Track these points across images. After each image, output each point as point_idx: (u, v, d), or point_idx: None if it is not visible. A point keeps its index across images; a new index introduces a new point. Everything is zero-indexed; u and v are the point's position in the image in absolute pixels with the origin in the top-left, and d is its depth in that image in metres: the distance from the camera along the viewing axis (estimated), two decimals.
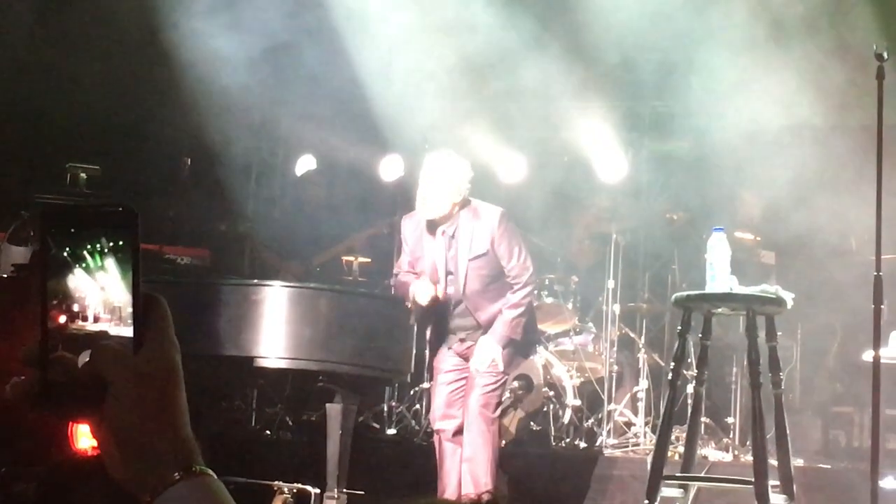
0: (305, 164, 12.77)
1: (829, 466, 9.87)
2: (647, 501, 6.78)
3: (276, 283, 8.76)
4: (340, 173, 12.26)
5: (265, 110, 11.48)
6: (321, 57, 11.32)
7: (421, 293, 8.19)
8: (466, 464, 8.03)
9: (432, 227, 8.20)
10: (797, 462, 8.53)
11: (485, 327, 8.15)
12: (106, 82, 12.13)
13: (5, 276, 8.64)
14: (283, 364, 8.57)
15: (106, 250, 1.47)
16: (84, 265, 1.48)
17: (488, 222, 8.10)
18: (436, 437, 8.37)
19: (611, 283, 11.25)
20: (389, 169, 12.98)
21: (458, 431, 8.13)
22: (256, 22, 11.23)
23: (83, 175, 9.57)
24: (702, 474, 7.99)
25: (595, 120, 12.18)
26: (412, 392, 11.24)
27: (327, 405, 8.82)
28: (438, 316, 8.38)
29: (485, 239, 8.05)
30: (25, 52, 11.95)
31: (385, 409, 11.27)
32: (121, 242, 1.48)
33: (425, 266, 8.27)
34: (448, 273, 8.17)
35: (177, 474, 1.46)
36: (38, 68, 11.99)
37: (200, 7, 11.07)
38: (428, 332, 8.82)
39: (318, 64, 11.31)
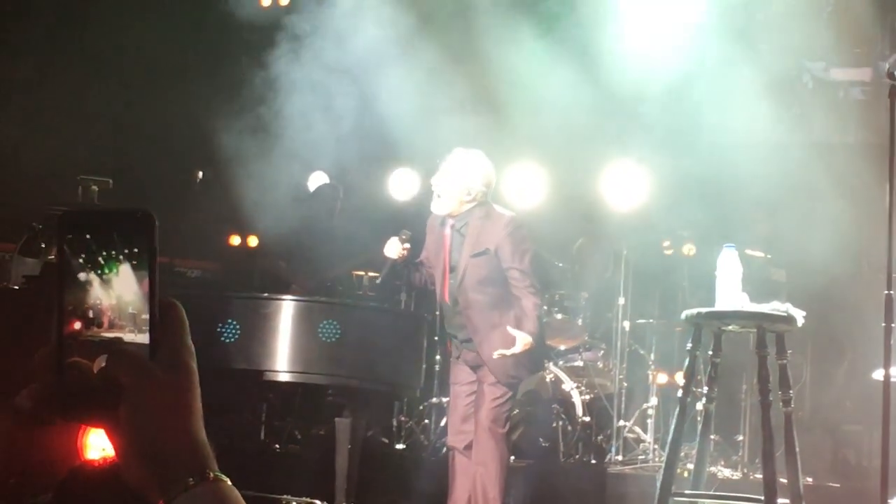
0: (318, 179, 12.78)
1: (838, 485, 9.85)
2: None
3: (287, 297, 8.79)
4: (353, 189, 12.26)
5: (277, 125, 11.49)
6: (335, 74, 11.35)
7: (389, 246, 8.23)
8: (477, 479, 8.01)
9: (445, 222, 8.19)
10: (806, 480, 8.51)
11: (476, 336, 8.05)
12: (119, 96, 12.19)
13: (16, 287, 8.65)
14: (292, 378, 8.59)
15: (122, 256, 1.48)
16: (100, 271, 1.48)
17: (497, 223, 8.00)
18: (450, 452, 8.32)
19: (621, 300, 11.26)
20: (402, 185, 13.02)
21: (470, 446, 8.09)
22: (271, 38, 11.27)
23: (94, 187, 9.58)
24: (711, 491, 7.97)
25: (609, 138, 12.20)
26: (421, 407, 11.23)
27: (336, 419, 8.82)
28: (442, 316, 8.32)
29: (490, 239, 7.96)
30: (39, 64, 12.00)
31: (394, 423, 11.26)
32: (136, 249, 1.48)
33: (435, 261, 8.26)
34: (451, 269, 8.12)
35: (192, 479, 1.46)
36: (50, 81, 12.04)
37: (212, 21, 11.14)
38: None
39: (333, 81, 11.34)
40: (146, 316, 1.48)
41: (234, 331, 8.57)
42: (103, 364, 1.47)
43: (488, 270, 7.98)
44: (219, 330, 8.51)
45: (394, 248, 8.22)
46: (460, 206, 8.05)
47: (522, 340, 7.84)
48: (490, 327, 7.98)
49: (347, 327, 8.60)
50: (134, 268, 1.48)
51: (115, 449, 1.48)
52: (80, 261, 1.48)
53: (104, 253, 1.48)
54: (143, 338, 1.48)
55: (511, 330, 7.85)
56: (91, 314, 1.49)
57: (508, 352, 7.84)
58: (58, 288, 1.49)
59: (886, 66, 7.04)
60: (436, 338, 10.61)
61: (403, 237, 8.24)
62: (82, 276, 1.49)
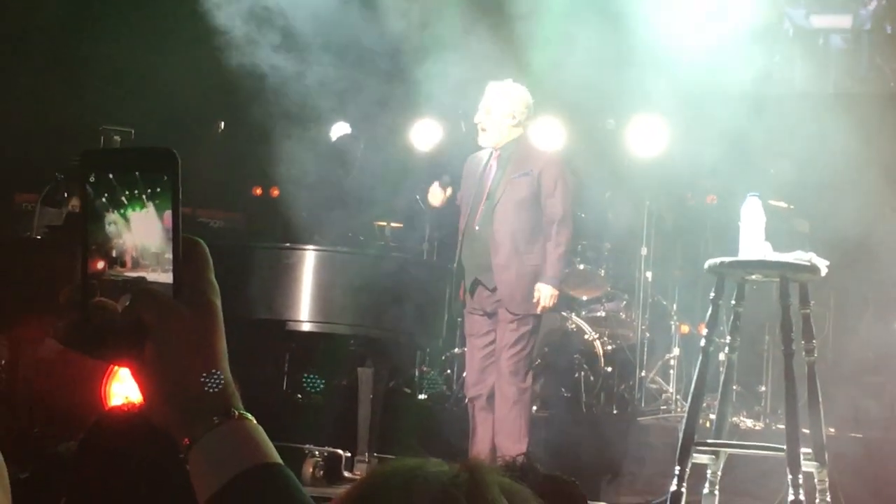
0: (339, 129, 12.73)
1: (860, 435, 9.83)
2: (678, 467, 6.75)
3: (309, 247, 8.79)
4: (375, 139, 12.23)
5: (300, 75, 11.45)
6: (357, 24, 11.30)
7: (432, 193, 8.48)
8: (499, 430, 8.03)
9: (491, 154, 8.30)
10: (829, 431, 8.49)
11: (497, 258, 8.10)
12: (139, 44, 12.17)
13: (39, 237, 8.69)
14: (314, 327, 8.60)
15: (145, 195, 1.47)
16: (123, 210, 1.47)
17: (544, 150, 8.38)
18: (469, 405, 8.35)
19: (643, 250, 11.22)
20: (424, 135, 12.94)
21: (491, 397, 8.11)
22: None
23: (116, 138, 9.60)
24: (733, 441, 7.96)
25: (631, 88, 12.13)
26: (444, 357, 11.23)
27: (358, 369, 8.84)
28: (463, 249, 8.34)
29: (535, 163, 8.15)
30: (61, 13, 11.99)
31: (416, 373, 11.27)
32: (159, 188, 1.47)
33: (471, 193, 8.29)
34: (489, 194, 8.17)
35: (216, 418, 1.46)
36: (71, 30, 12.03)
37: None
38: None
39: (356, 31, 11.29)
40: (169, 255, 1.47)
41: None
42: (127, 303, 1.46)
43: (528, 193, 8.11)
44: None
45: (436, 195, 8.36)
46: (508, 134, 8.16)
47: (548, 295, 7.94)
48: (514, 253, 8.06)
49: (369, 277, 8.61)
50: (157, 207, 1.47)
51: (140, 388, 1.47)
52: (104, 200, 1.48)
53: (127, 192, 1.47)
54: (167, 276, 1.47)
55: (539, 286, 7.92)
56: (114, 253, 1.48)
57: (539, 309, 7.97)
58: (81, 227, 1.48)
59: None
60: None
61: (444, 182, 8.35)
62: (106, 215, 1.48)
